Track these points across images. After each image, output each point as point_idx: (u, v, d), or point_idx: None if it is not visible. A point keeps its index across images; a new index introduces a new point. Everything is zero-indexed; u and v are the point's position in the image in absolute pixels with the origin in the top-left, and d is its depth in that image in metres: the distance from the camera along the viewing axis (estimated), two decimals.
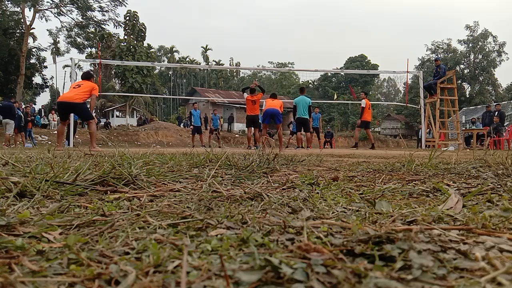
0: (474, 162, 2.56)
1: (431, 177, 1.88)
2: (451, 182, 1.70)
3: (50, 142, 14.45)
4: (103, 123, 34.68)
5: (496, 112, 15.03)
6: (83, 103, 7.30)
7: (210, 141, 16.62)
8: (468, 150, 10.96)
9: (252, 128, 10.74)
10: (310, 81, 53.17)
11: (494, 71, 45.68)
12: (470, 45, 45.44)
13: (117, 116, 43.45)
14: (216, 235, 0.76)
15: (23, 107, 17.32)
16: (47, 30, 39.24)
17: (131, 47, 34.92)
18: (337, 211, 1.04)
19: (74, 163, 1.91)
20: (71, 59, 12.34)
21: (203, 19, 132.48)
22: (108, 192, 1.34)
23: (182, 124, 35.97)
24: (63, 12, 31.45)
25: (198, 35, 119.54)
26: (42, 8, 30.29)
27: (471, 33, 45.36)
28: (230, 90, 54.40)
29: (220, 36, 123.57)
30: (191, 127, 16.23)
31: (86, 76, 7.80)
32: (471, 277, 0.55)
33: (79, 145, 14.18)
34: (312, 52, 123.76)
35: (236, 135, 32.20)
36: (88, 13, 31.78)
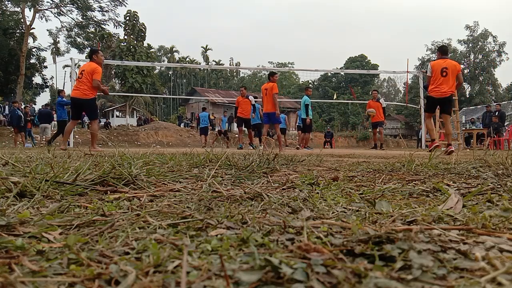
0: (474, 162, 2.56)
1: (431, 177, 1.88)
2: (451, 182, 1.70)
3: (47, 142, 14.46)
4: (103, 123, 34.70)
5: (497, 112, 15.05)
6: (93, 99, 7.01)
7: (213, 143, 16.67)
8: (468, 150, 10.96)
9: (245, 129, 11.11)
10: (310, 81, 53.17)
11: (494, 71, 45.73)
12: (470, 45, 45.46)
13: (117, 116, 43.46)
14: (216, 235, 0.76)
15: (22, 107, 17.34)
16: (47, 30, 39.33)
17: (131, 47, 34.94)
18: (337, 211, 1.04)
19: (74, 163, 1.91)
20: (71, 59, 12.34)
21: (203, 19, 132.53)
22: (108, 192, 1.34)
23: (182, 124, 35.99)
24: (63, 12, 31.48)
25: (198, 35, 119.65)
26: (42, 8, 30.31)
27: (471, 33, 45.39)
28: (230, 90, 54.41)
29: (220, 36, 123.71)
30: (219, 126, 16.95)
31: (89, 55, 7.45)
32: (471, 277, 0.55)
33: (79, 145, 14.18)
34: (312, 52, 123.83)
35: (236, 135, 32.17)
36: (88, 13, 31.81)
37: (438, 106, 6.91)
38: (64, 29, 34.01)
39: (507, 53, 45.01)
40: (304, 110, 11.18)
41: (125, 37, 36.65)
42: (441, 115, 7.10)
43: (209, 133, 17.77)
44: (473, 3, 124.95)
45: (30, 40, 32.00)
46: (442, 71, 6.68)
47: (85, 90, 6.84)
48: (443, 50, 7.04)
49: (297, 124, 15.12)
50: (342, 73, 50.81)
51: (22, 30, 30.97)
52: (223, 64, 63.29)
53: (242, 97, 11.11)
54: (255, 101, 11.27)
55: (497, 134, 13.91)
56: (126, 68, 33.34)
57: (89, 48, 36.37)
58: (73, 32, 34.17)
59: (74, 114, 7.35)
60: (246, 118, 11.01)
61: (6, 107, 24.70)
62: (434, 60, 7.22)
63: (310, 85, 49.74)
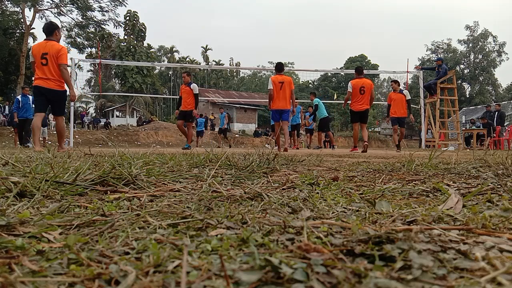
0: (474, 162, 2.56)
1: (431, 177, 1.88)
2: (451, 182, 1.70)
3: (50, 142, 14.48)
4: (103, 123, 34.74)
5: (496, 112, 15.07)
6: (65, 92, 5.86)
7: (220, 142, 16.70)
8: (468, 150, 10.95)
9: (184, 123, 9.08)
10: (310, 81, 53.20)
11: (494, 71, 45.82)
12: (470, 45, 45.53)
13: (117, 116, 43.50)
14: (216, 235, 0.76)
15: None
16: None
17: (131, 47, 34.99)
18: (337, 211, 1.04)
19: (74, 163, 1.91)
20: (71, 59, 12.32)
21: (203, 19, 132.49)
22: (108, 192, 1.34)
23: None
24: (63, 12, 31.50)
25: (198, 35, 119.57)
26: (42, 8, 30.33)
27: (471, 33, 45.45)
28: (230, 90, 54.45)
29: (220, 36, 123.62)
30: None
31: (48, 30, 5.75)
32: (471, 277, 0.55)
33: (79, 145, 14.18)
34: (312, 52, 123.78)
35: (236, 135, 32.20)
36: (88, 13, 31.83)
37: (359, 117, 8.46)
38: (64, 29, 33.98)
39: (507, 53, 45.13)
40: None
41: (125, 37, 36.72)
42: (360, 125, 8.57)
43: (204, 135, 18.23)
44: (473, 3, 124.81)
45: (30, 40, 31.98)
46: (361, 90, 8.29)
47: (58, 81, 5.72)
48: (359, 71, 8.69)
49: (290, 124, 15.00)
50: (342, 73, 50.84)
51: (22, 30, 31.02)
52: (223, 64, 63.32)
53: (185, 86, 9.01)
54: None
55: (496, 134, 13.93)
56: (126, 68, 33.40)
57: (89, 49, 36.09)
58: (73, 32, 34.16)
59: (41, 106, 5.94)
60: (188, 110, 8.89)
61: (6, 107, 24.72)
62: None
63: (310, 85, 49.83)
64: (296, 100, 10.02)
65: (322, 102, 13.31)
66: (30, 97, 12.22)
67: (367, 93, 8.32)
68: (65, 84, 5.82)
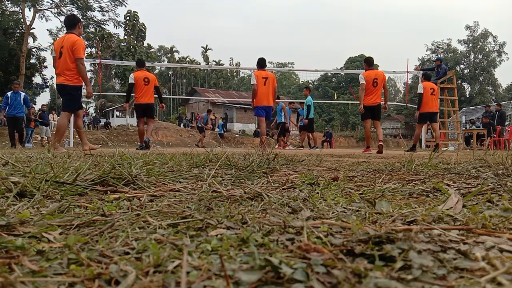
0: (474, 162, 2.56)
1: (431, 177, 1.88)
2: (451, 182, 1.70)
3: (50, 143, 14.48)
4: (103, 123, 34.78)
5: (497, 112, 15.08)
6: (77, 87, 5.45)
7: (202, 142, 16.65)
8: (468, 150, 10.95)
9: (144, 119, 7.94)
10: (310, 81, 53.23)
11: (494, 71, 45.87)
12: (470, 45, 45.58)
13: (117, 116, 43.49)
14: (216, 235, 0.76)
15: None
16: (47, 30, 39.30)
17: (131, 47, 35.00)
18: (337, 211, 1.04)
19: (74, 163, 1.91)
20: None
21: (203, 19, 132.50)
22: (108, 192, 1.34)
23: (182, 124, 36.03)
24: (63, 12, 31.45)
25: (198, 35, 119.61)
26: (42, 8, 30.32)
27: (471, 33, 45.49)
28: (230, 90, 54.48)
29: (220, 36, 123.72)
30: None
31: (70, 23, 5.51)
32: (471, 277, 0.55)
33: (80, 145, 14.17)
34: (312, 52, 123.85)
35: (236, 135, 32.20)
36: (88, 13, 31.81)
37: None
38: (64, 29, 33.97)
39: (507, 53, 45.17)
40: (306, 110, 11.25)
41: (125, 37, 36.73)
42: (373, 122, 7.66)
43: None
44: (473, 3, 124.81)
45: (30, 40, 32.00)
46: (374, 82, 7.37)
47: (69, 75, 5.34)
48: (369, 62, 7.67)
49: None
50: (342, 73, 50.92)
51: (22, 30, 31.01)
52: (223, 64, 63.33)
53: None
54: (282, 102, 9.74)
55: (496, 134, 13.94)
56: (126, 68, 33.41)
57: (89, 49, 36.04)
58: None
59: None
60: (149, 104, 7.90)
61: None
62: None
63: (310, 85, 49.81)
64: (295, 100, 9.61)
65: (322, 102, 13.31)
66: (22, 93, 11.59)
67: (379, 85, 7.44)
68: (78, 78, 5.44)
